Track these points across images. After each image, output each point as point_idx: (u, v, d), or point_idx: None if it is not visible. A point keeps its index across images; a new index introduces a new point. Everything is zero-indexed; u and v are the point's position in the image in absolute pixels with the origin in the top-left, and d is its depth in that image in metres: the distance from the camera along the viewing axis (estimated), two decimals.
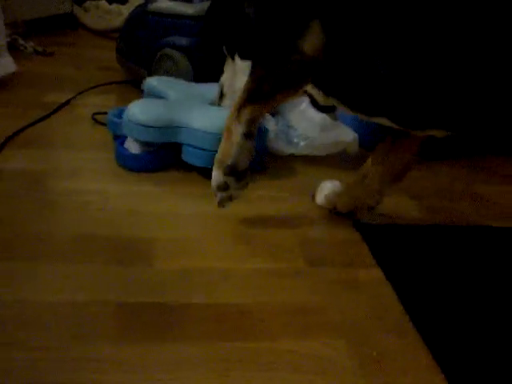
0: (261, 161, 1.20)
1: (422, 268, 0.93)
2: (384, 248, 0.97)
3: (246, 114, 0.88)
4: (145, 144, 1.12)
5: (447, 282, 0.91)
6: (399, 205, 1.13)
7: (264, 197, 1.10)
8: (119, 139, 1.16)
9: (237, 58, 1.03)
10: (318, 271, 0.89)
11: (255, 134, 0.90)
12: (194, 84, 1.33)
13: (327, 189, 1.07)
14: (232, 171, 0.91)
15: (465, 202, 1.19)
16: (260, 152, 1.19)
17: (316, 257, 0.93)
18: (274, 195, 1.11)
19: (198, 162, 1.11)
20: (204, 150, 1.09)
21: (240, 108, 0.89)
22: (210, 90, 1.27)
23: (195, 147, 1.10)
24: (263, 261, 0.90)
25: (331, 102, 0.90)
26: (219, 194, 0.93)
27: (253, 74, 0.88)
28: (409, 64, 0.79)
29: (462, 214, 1.13)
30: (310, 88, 0.93)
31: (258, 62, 0.88)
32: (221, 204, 0.94)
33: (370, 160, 1.02)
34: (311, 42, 0.82)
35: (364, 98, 0.86)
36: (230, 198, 0.94)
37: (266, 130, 1.21)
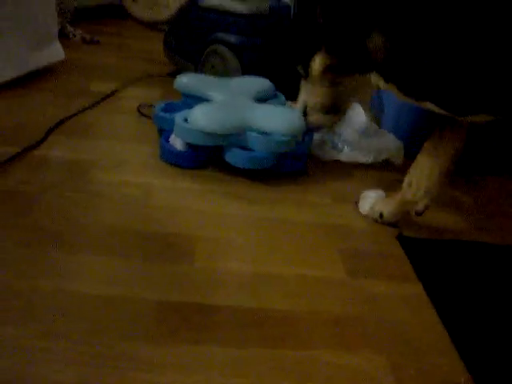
0: (303, 164, 1.19)
1: (464, 286, 0.91)
2: (426, 263, 0.95)
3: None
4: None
5: (489, 301, 0.89)
6: (443, 219, 1.11)
7: (305, 202, 1.09)
8: (164, 134, 1.16)
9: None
10: (359, 282, 0.88)
11: None
12: (225, 80, 1.30)
13: (371, 198, 1.06)
14: None
15: (509, 220, 1.17)
16: (302, 155, 1.18)
17: (358, 268, 0.91)
18: (316, 201, 1.10)
19: (242, 164, 1.11)
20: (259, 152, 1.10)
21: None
22: (246, 85, 1.27)
23: (249, 149, 1.10)
24: (305, 267, 0.89)
25: (390, 87, 0.95)
26: None
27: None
28: (450, 55, 0.84)
29: (506, 232, 1.11)
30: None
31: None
32: None
33: (414, 164, 1.02)
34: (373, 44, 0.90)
35: (415, 84, 0.91)
36: None
37: (310, 134, 1.20)
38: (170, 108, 1.20)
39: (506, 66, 0.81)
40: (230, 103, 1.18)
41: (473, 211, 1.17)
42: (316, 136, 1.25)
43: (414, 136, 1.28)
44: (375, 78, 0.97)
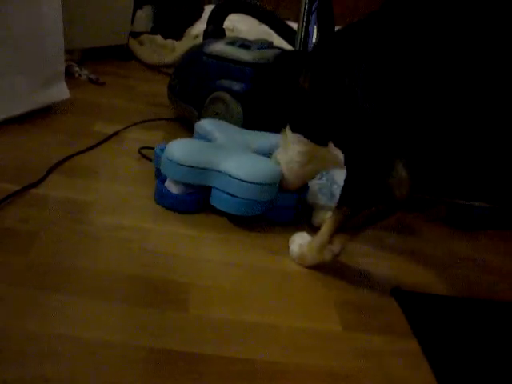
0: (296, 212, 1.19)
1: (459, 342, 0.91)
2: (421, 317, 0.95)
3: (338, 240, 0.98)
4: (185, 185, 1.12)
5: (485, 359, 0.88)
6: (437, 274, 1.10)
7: None
8: (160, 177, 1.16)
9: (288, 130, 1.08)
10: (352, 336, 0.87)
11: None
12: (243, 130, 1.33)
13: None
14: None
15: (507, 276, 1.16)
16: (296, 203, 1.18)
17: (351, 320, 0.91)
18: None
19: (225, 208, 1.10)
20: (236, 197, 1.09)
21: (332, 235, 0.97)
22: (258, 138, 1.28)
23: (227, 193, 1.09)
24: (298, 319, 0.89)
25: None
26: None
27: (339, 210, 0.97)
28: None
29: (499, 289, 1.11)
30: None
31: (345, 202, 0.97)
32: None
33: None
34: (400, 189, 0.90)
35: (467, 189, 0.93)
36: None
37: (306, 184, 1.21)
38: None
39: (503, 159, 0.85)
40: (220, 146, 1.19)
41: (465, 267, 1.17)
42: (313, 184, 1.26)
43: None
44: None
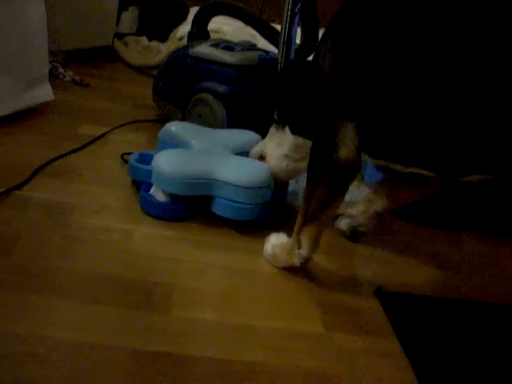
0: (277, 214, 1.20)
1: (440, 343, 0.92)
2: (403, 318, 0.96)
3: (306, 239, 0.97)
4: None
5: (468, 360, 0.89)
6: (422, 275, 1.11)
7: None
8: (144, 185, 1.15)
9: (287, 129, 1.10)
10: (335, 336, 0.88)
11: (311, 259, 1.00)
12: (213, 131, 1.33)
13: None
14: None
15: (488, 277, 1.17)
16: (277, 205, 1.19)
17: (334, 321, 0.91)
18: None
19: (229, 215, 1.11)
20: (237, 202, 1.10)
21: (299, 232, 0.98)
22: (231, 136, 1.29)
23: (231, 200, 1.10)
24: (281, 320, 0.89)
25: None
26: None
27: (303, 194, 0.98)
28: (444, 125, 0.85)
29: (485, 289, 1.12)
30: None
31: (306, 181, 0.98)
32: None
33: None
34: (345, 148, 0.91)
35: (409, 156, 0.93)
36: None
37: (286, 184, 1.22)
38: (145, 159, 1.20)
39: (502, 128, 0.83)
40: (203, 153, 1.19)
41: (452, 267, 1.18)
42: (292, 185, 1.27)
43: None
44: None
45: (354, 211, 1.16)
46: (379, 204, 1.13)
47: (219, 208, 1.11)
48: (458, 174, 0.92)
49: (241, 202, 1.10)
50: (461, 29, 0.82)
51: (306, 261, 0.99)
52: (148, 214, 1.12)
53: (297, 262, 0.99)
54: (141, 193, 1.14)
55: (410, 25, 0.86)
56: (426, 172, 0.94)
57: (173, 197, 1.11)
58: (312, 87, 1.01)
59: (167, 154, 1.13)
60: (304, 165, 1.12)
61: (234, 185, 1.09)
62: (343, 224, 1.18)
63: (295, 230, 0.99)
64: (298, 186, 1.32)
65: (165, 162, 1.10)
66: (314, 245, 0.98)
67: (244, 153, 1.23)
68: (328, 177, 0.93)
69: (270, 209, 1.17)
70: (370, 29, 0.91)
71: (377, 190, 1.13)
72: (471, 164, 0.89)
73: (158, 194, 1.12)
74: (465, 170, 0.90)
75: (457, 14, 0.82)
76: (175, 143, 1.24)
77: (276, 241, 1.05)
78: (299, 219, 0.98)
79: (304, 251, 0.98)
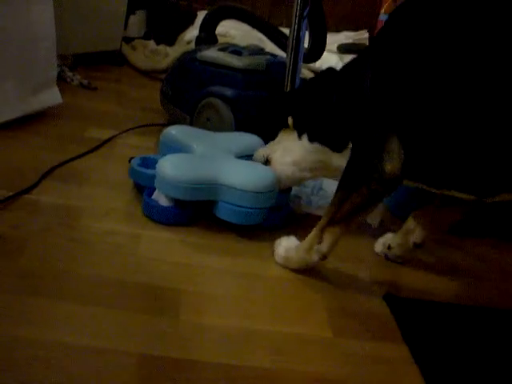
0: (281, 217, 1.20)
1: (450, 349, 0.91)
2: (412, 324, 0.95)
3: (328, 237, 0.97)
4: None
5: (476, 366, 0.88)
6: (432, 280, 1.11)
7: None
8: (147, 190, 1.14)
9: (304, 137, 1.09)
10: (343, 342, 0.87)
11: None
12: (213, 134, 1.32)
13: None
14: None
15: (499, 283, 1.17)
16: (281, 208, 1.19)
17: (343, 327, 0.91)
18: None
19: (235, 220, 1.10)
20: (242, 207, 1.09)
21: (323, 230, 0.98)
22: (232, 140, 1.28)
23: (236, 205, 1.09)
24: (288, 325, 0.89)
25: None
26: None
27: (335, 197, 0.98)
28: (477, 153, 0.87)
29: (495, 295, 1.11)
30: None
31: (341, 186, 0.98)
32: None
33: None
34: (391, 162, 0.91)
35: (448, 178, 0.94)
36: None
37: (289, 189, 1.22)
38: (147, 163, 1.19)
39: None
40: (206, 157, 1.18)
41: (460, 273, 1.17)
42: (296, 189, 1.27)
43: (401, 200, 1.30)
44: None
45: (391, 242, 1.14)
46: (417, 235, 1.11)
47: (223, 212, 1.11)
48: (492, 194, 0.92)
49: (245, 207, 1.09)
50: (504, 51, 0.83)
51: (323, 258, 0.99)
52: (151, 218, 1.11)
53: (315, 257, 0.99)
54: (143, 197, 1.13)
55: (456, 47, 0.86)
56: (461, 194, 0.94)
57: (176, 201, 1.11)
58: (343, 100, 1.01)
59: (171, 158, 1.12)
60: (310, 175, 1.12)
61: (239, 189, 1.08)
62: (379, 249, 1.17)
63: (318, 227, 0.98)
64: (301, 190, 1.32)
65: (169, 167, 1.09)
66: (334, 244, 0.98)
67: (245, 156, 1.22)
68: (367, 187, 0.93)
69: (274, 213, 1.16)
70: (413, 51, 0.91)
71: (418, 218, 1.11)
72: (506, 183, 0.89)
73: (160, 199, 1.11)
74: (499, 189, 0.91)
75: (501, 36, 0.83)
76: (176, 147, 1.23)
77: (288, 243, 1.05)
78: (324, 219, 0.98)
79: (324, 247, 0.98)
